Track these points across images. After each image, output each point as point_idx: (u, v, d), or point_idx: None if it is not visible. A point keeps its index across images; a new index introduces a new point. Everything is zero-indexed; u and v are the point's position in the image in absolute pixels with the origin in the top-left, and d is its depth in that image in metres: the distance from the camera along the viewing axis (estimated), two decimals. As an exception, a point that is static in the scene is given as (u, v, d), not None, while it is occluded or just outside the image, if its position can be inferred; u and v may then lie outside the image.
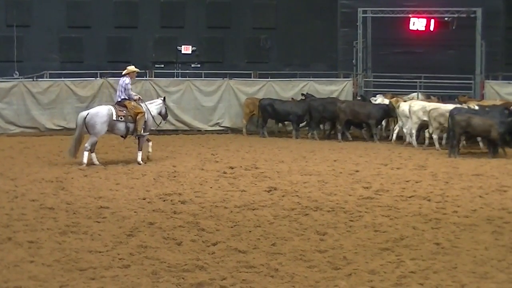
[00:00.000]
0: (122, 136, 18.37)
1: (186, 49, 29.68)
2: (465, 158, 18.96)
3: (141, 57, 29.28)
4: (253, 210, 12.34)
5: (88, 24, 29.33)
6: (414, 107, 21.44)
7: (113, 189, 14.22)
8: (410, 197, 13.54)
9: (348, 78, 26.72)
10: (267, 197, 13.48)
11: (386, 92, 25.41)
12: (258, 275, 8.70)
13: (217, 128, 25.91)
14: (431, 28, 26.91)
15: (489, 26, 26.66)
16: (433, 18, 26.79)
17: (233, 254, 9.60)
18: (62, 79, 25.38)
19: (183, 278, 8.52)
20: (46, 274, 8.63)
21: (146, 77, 25.98)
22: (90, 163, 17.34)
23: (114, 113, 17.83)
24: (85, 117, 17.74)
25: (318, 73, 27.22)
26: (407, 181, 15.19)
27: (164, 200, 13.12)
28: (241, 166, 17.09)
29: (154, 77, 26.10)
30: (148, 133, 18.46)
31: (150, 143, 18.41)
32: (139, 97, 18.75)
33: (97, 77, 25.53)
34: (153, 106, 18.88)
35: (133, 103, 18.18)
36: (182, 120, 25.69)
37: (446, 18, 26.67)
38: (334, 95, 25.49)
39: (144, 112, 18.23)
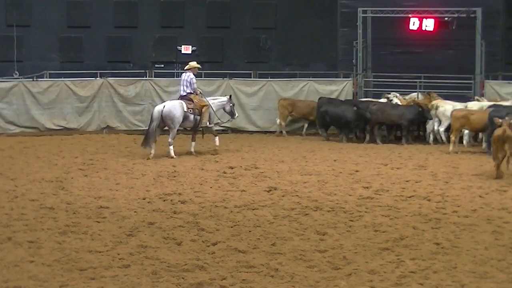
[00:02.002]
0: (189, 128, 19.87)
1: (186, 49, 29.68)
2: (465, 158, 18.95)
3: (141, 57, 29.30)
4: (253, 210, 12.34)
5: (88, 24, 29.33)
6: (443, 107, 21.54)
7: (113, 189, 14.22)
8: (410, 197, 13.54)
9: (348, 78, 26.70)
10: (267, 197, 13.48)
11: (385, 92, 25.39)
12: (258, 275, 8.70)
13: (217, 128, 25.85)
14: (431, 28, 26.89)
15: (489, 26, 26.63)
16: (433, 18, 26.77)
17: (233, 254, 9.60)
18: (62, 79, 25.35)
19: (183, 278, 8.52)
20: (46, 274, 8.63)
21: (146, 77, 25.96)
22: (170, 156, 18.56)
23: (185, 106, 19.13)
24: (162, 111, 18.86)
25: (318, 73, 27.20)
26: (407, 181, 15.19)
27: (164, 200, 13.12)
28: (241, 166, 17.09)
29: (154, 77, 26.08)
30: (212, 125, 19.92)
31: (194, 143, 19.56)
32: (201, 92, 19.99)
33: (97, 77, 25.51)
34: (215, 102, 20.19)
35: (197, 96, 19.54)
36: (182, 120, 25.69)
37: (446, 18, 26.64)
38: (334, 95, 25.47)
39: (208, 105, 19.65)
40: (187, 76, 19.55)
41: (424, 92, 25.32)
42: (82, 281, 8.44)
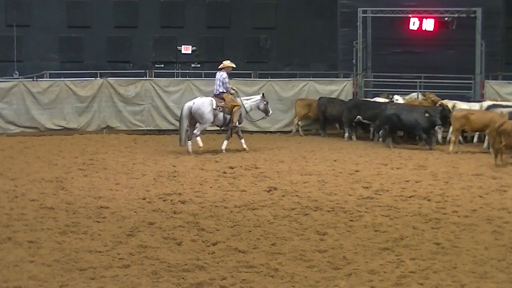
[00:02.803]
0: (219, 126, 20.29)
1: (186, 49, 29.67)
2: (465, 158, 18.95)
3: (141, 57, 29.29)
4: (253, 210, 12.35)
5: (88, 24, 29.32)
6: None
7: (113, 189, 14.22)
8: (410, 197, 13.54)
9: (348, 78, 26.70)
10: (267, 197, 13.48)
11: (385, 92, 25.39)
12: (258, 275, 8.70)
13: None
14: (431, 28, 26.89)
15: (489, 26, 26.63)
16: (433, 18, 26.77)
17: (233, 254, 9.60)
18: (62, 79, 25.34)
19: (183, 278, 8.52)
20: (46, 274, 8.63)
21: (146, 77, 25.96)
22: (191, 150, 19.28)
23: (214, 103, 19.66)
24: (192, 107, 19.42)
25: (318, 73, 27.20)
26: (407, 181, 15.20)
27: (164, 200, 13.13)
28: (241, 166, 17.09)
29: (154, 77, 26.07)
30: (240, 125, 20.33)
31: (226, 142, 20.03)
32: (236, 91, 20.45)
33: (97, 77, 25.51)
34: (248, 102, 20.63)
35: (230, 96, 20.00)
36: (182, 120, 25.69)
37: (446, 18, 26.64)
38: (334, 95, 25.48)
39: (240, 106, 20.08)
40: (220, 75, 20.07)
41: (424, 92, 25.32)
42: (82, 281, 8.44)
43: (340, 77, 26.95)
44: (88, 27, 29.30)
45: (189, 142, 19.50)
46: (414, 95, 25.30)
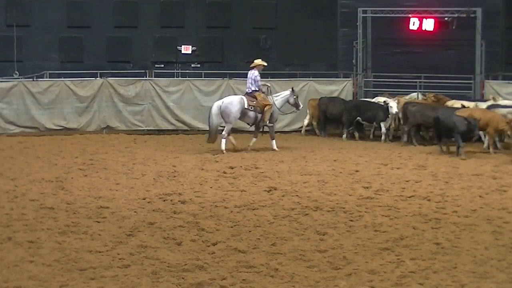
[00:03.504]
0: (250, 124, 20.55)
1: (186, 49, 29.66)
2: (465, 158, 18.93)
3: (141, 57, 29.28)
4: (253, 210, 12.35)
5: (88, 24, 29.30)
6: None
7: (113, 189, 14.22)
8: (410, 197, 13.54)
9: (348, 78, 26.70)
10: (267, 197, 13.48)
11: (386, 92, 25.40)
12: (258, 275, 8.71)
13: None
14: (431, 28, 26.89)
15: (489, 26, 26.63)
16: (433, 18, 26.77)
17: (233, 254, 9.60)
18: (62, 79, 25.33)
19: (183, 278, 8.53)
20: (46, 274, 8.64)
21: (146, 77, 25.96)
22: (226, 149, 19.61)
23: (245, 102, 19.90)
24: (220, 106, 19.80)
25: (318, 73, 27.19)
26: (407, 181, 15.19)
27: (164, 200, 13.13)
28: (241, 166, 17.09)
29: (154, 77, 26.07)
30: (272, 124, 20.48)
31: (254, 139, 20.24)
32: (268, 87, 20.73)
33: (97, 77, 25.50)
34: (278, 99, 20.75)
35: (262, 95, 20.23)
36: (182, 120, 25.67)
37: (446, 18, 26.64)
38: (334, 95, 25.48)
39: (271, 105, 20.11)
40: (252, 73, 20.28)
41: (424, 92, 25.33)
42: (82, 281, 8.45)
43: (340, 77, 26.95)
44: (88, 27, 29.28)
45: (223, 140, 19.78)
46: (414, 95, 25.30)
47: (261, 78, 26.42)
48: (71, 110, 24.98)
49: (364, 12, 26.83)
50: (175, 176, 15.69)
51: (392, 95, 24.63)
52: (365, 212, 12.22)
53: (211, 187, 14.47)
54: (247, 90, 20.47)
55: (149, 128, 25.43)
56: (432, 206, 12.74)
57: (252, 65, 20.57)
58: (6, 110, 24.59)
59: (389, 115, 22.79)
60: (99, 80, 25.31)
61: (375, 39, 27.28)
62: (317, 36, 29.43)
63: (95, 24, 29.25)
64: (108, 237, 10.40)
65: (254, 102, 20.09)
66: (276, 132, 24.44)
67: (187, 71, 28.02)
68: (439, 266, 9.06)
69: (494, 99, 23.00)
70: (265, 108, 20.13)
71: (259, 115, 20.13)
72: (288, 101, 21.07)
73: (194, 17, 29.73)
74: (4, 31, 28.69)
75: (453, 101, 22.82)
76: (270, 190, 14.07)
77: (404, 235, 10.57)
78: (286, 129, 25.57)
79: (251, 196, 13.54)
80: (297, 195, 13.57)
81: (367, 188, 14.42)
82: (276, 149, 20.19)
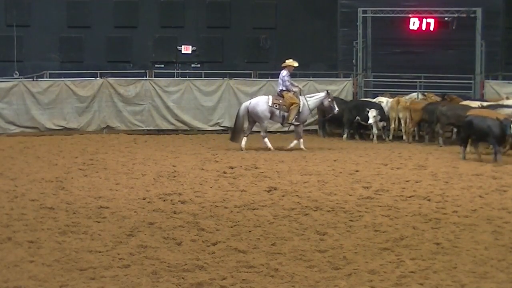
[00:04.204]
0: (281, 124, 20.92)
1: (186, 49, 29.66)
2: (465, 158, 18.93)
3: (141, 57, 29.28)
4: (253, 210, 12.35)
5: (88, 24, 29.30)
6: None
7: (113, 189, 14.22)
8: (410, 197, 13.54)
9: (348, 78, 26.71)
10: (267, 197, 13.48)
11: (386, 92, 25.41)
12: (258, 275, 8.70)
13: (217, 128, 25.90)
14: (431, 28, 26.90)
15: (489, 26, 26.64)
16: (433, 18, 26.77)
17: (233, 254, 9.60)
18: (62, 79, 25.35)
19: (183, 278, 8.52)
20: (46, 274, 8.63)
21: (146, 77, 25.96)
22: (266, 147, 20.05)
23: (270, 101, 20.29)
24: (248, 107, 20.33)
25: (318, 73, 27.20)
26: (407, 181, 15.19)
27: (164, 200, 13.12)
28: (241, 166, 17.09)
29: (154, 77, 26.08)
30: (299, 123, 20.47)
31: (301, 140, 20.40)
32: (300, 89, 20.76)
33: (97, 77, 25.51)
34: (312, 100, 20.74)
35: (290, 94, 20.40)
36: (182, 120, 25.69)
37: (446, 18, 26.65)
38: (334, 95, 25.45)
39: (298, 104, 20.26)
40: (281, 74, 20.54)
41: (424, 92, 25.34)
42: (82, 281, 8.44)
43: (340, 77, 26.96)
44: (88, 27, 29.28)
45: (244, 139, 20.16)
46: (414, 95, 25.31)
47: (261, 78, 26.52)
48: (71, 110, 24.99)
49: (364, 12, 26.83)
50: (175, 176, 15.69)
51: (392, 95, 24.65)
52: (365, 212, 12.22)
53: (211, 187, 14.46)
54: (278, 90, 20.79)
55: (149, 128, 25.44)
56: (432, 206, 12.74)
57: (283, 65, 20.80)
58: (6, 110, 24.60)
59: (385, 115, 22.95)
60: (99, 80, 25.31)
61: (375, 39, 27.28)
62: (317, 36, 29.44)
63: (95, 24, 29.25)
64: (108, 237, 10.39)
65: (280, 101, 20.31)
66: (276, 132, 24.60)
67: (187, 71, 28.03)
68: (439, 266, 9.06)
69: (507, 98, 22.91)
70: (291, 107, 20.24)
71: (286, 114, 20.34)
72: (322, 103, 20.97)
73: (194, 17, 29.73)
74: (4, 31, 28.69)
75: (468, 101, 22.77)
76: (270, 190, 14.07)
77: (404, 235, 10.57)
78: (286, 129, 25.54)
79: (251, 196, 13.53)
80: (297, 195, 13.57)
81: (367, 188, 14.41)
82: (304, 148, 20.20)
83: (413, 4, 27.15)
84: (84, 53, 29.22)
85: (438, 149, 20.84)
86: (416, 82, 25.98)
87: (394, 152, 20.16)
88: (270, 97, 20.65)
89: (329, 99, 20.95)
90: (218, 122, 25.96)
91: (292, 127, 21.02)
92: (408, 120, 23.01)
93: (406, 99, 24.56)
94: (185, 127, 25.63)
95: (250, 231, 10.82)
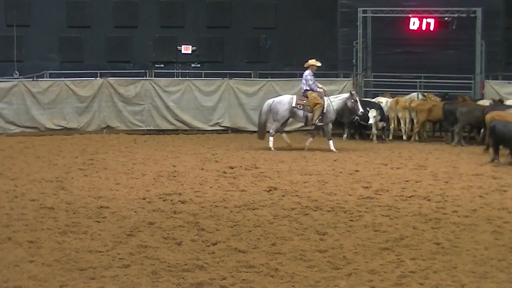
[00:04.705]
0: (303, 124, 21.21)
1: (186, 49, 29.68)
2: (465, 158, 18.95)
3: (141, 57, 29.31)
4: (253, 210, 12.34)
5: (88, 24, 29.33)
6: None
7: (113, 189, 14.22)
8: (410, 197, 13.54)
9: (348, 78, 26.72)
10: (267, 197, 13.48)
11: (386, 92, 25.41)
12: (258, 275, 8.70)
13: (217, 128, 25.91)
14: (431, 28, 26.90)
15: (489, 26, 26.65)
16: (433, 18, 26.78)
17: (233, 254, 9.60)
18: (62, 79, 25.36)
19: (183, 278, 8.52)
20: (46, 274, 8.63)
21: (146, 77, 25.97)
22: (272, 146, 20.33)
23: (294, 101, 20.46)
24: (271, 105, 20.61)
25: (318, 73, 27.15)
26: (407, 181, 15.19)
27: (164, 200, 13.12)
28: (241, 166, 17.09)
29: (154, 77, 26.09)
30: (322, 123, 20.52)
31: (311, 139, 20.60)
32: (323, 89, 20.84)
33: (97, 77, 25.51)
34: (336, 100, 20.79)
35: (314, 94, 20.52)
36: (182, 120, 25.70)
37: (446, 18, 26.65)
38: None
39: (322, 104, 20.32)
40: (304, 74, 20.75)
41: (424, 92, 25.34)
42: (82, 281, 8.44)
43: (340, 77, 26.96)
44: (88, 27, 29.31)
45: (271, 138, 20.43)
46: (414, 95, 25.31)
47: (261, 78, 26.52)
48: (71, 110, 25.00)
49: (364, 12, 26.84)
50: (175, 176, 15.69)
51: (392, 95, 24.67)
52: (365, 212, 12.21)
53: (211, 187, 14.46)
54: (302, 90, 20.90)
55: (149, 128, 25.45)
56: (432, 206, 12.74)
57: (306, 65, 20.93)
58: (6, 110, 24.61)
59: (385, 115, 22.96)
60: (99, 80, 25.32)
61: (375, 39, 27.29)
62: (317, 36, 29.45)
63: (95, 24, 29.28)
64: (108, 237, 10.39)
65: (304, 101, 20.39)
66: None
67: (187, 71, 28.05)
68: (439, 266, 9.06)
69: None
70: (315, 107, 20.29)
71: (309, 114, 20.36)
72: (346, 104, 20.78)
73: (194, 17, 29.75)
74: (4, 31, 28.71)
75: (482, 101, 22.75)
76: (270, 190, 14.07)
77: (404, 235, 10.57)
78: (287, 128, 25.52)
79: (251, 196, 13.53)
80: (297, 195, 13.57)
81: (367, 188, 14.41)
82: (334, 150, 20.01)
83: (413, 4, 27.16)
84: (84, 53, 29.25)
85: (438, 149, 20.87)
86: (416, 82, 26.00)
87: (394, 152, 20.16)
88: (295, 97, 20.79)
89: (353, 100, 20.78)
90: (218, 122, 25.97)
91: (312, 127, 21.29)
92: (414, 121, 23.06)
93: (406, 99, 24.59)
94: (185, 127, 25.64)
95: (250, 231, 10.82)
